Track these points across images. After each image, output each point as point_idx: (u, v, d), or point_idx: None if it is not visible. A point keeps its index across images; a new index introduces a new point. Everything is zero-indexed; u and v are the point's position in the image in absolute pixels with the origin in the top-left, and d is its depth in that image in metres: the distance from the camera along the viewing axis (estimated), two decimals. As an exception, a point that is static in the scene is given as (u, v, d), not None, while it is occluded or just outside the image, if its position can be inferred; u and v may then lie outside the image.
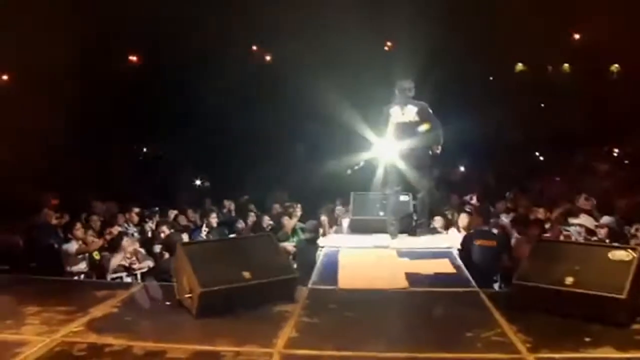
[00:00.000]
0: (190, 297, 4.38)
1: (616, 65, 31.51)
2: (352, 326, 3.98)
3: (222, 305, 4.27)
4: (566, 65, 33.99)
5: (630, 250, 4.11)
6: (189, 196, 12.19)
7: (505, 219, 8.83)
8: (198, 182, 13.48)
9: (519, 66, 35.32)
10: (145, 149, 20.82)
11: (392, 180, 7.05)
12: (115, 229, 8.05)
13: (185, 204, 10.45)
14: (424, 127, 6.85)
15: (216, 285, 4.29)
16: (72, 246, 7.65)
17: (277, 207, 10.07)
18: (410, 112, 6.88)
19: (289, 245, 8.79)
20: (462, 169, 17.02)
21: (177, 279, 4.65)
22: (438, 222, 8.04)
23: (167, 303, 4.61)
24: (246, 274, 4.44)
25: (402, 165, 6.92)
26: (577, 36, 31.41)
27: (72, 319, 4.13)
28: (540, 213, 8.70)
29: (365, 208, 7.48)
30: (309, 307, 4.40)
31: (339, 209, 9.63)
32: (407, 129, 6.89)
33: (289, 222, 9.15)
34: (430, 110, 6.94)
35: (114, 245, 7.53)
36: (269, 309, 4.37)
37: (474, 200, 9.60)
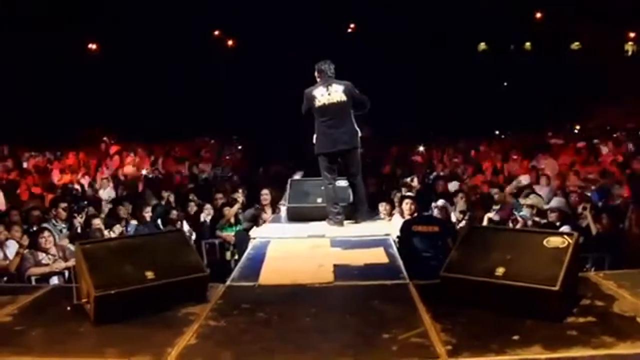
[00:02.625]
0: (87, 302, 3.95)
1: (577, 43, 31.67)
2: (260, 329, 3.56)
3: (122, 310, 3.83)
4: (528, 44, 34.11)
5: (566, 237, 3.76)
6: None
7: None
8: (144, 172, 12.85)
9: (482, 45, 35.38)
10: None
11: (328, 167, 6.66)
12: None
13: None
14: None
15: (114, 288, 3.84)
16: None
17: (219, 196, 9.60)
18: (336, 92, 6.48)
19: (229, 236, 8.40)
20: (421, 148, 16.77)
21: (77, 281, 4.22)
22: (382, 207, 7.68)
23: (68, 308, 4.15)
24: (149, 274, 4.00)
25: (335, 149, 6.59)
26: (538, 15, 31.48)
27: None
28: (495, 193, 8.44)
29: (303, 195, 7.05)
30: (219, 308, 3.97)
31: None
32: (336, 109, 6.51)
33: (230, 211, 8.70)
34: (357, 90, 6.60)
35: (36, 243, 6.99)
36: (175, 311, 3.93)
37: (415, 182, 9.25)
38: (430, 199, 7.27)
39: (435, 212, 7.23)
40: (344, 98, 6.45)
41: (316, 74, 6.63)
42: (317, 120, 6.60)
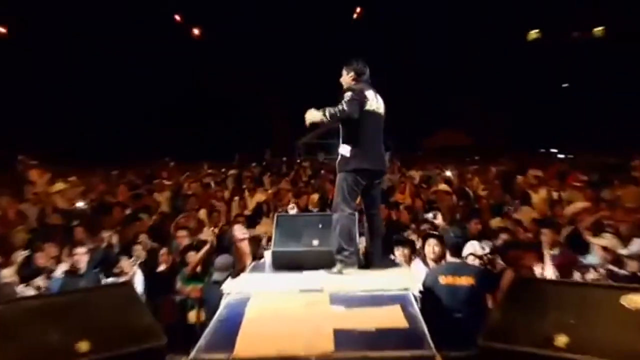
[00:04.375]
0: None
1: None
2: None
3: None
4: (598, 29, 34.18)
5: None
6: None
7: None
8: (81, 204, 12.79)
9: (532, 33, 35.73)
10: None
11: (355, 191, 6.69)
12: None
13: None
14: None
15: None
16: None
17: (181, 234, 9.54)
18: (381, 103, 6.76)
19: (194, 290, 8.35)
20: (448, 173, 17.13)
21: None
22: (399, 251, 7.67)
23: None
24: (83, 345, 4.01)
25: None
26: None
27: None
28: (546, 234, 8.35)
29: (293, 236, 7.00)
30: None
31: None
32: (378, 121, 6.73)
33: (196, 257, 8.65)
34: None
35: None
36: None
37: (439, 220, 9.21)
38: (463, 239, 7.19)
39: (470, 259, 7.17)
40: (383, 112, 6.74)
41: (352, 74, 6.76)
42: (357, 128, 6.57)
